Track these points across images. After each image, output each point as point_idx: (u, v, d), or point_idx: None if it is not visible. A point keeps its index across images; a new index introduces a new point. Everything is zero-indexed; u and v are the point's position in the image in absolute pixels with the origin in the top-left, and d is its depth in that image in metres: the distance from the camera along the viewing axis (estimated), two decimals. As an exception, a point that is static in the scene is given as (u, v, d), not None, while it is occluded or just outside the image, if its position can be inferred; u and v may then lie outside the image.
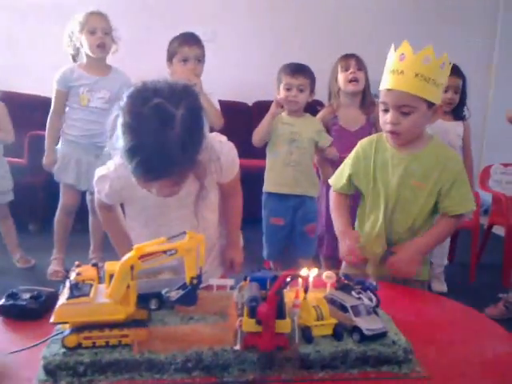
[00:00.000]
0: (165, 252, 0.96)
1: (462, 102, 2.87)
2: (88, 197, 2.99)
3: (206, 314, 1.08)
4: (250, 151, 2.69)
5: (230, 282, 1.19)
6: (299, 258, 2.61)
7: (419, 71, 1.42)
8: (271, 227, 2.66)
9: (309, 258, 2.64)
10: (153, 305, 1.08)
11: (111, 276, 0.97)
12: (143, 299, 1.05)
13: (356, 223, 1.68)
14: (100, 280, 1.04)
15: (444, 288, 3.04)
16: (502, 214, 3.26)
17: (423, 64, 1.42)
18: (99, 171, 1.43)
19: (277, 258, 2.73)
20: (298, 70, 2.51)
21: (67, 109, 2.86)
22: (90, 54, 2.78)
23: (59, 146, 2.89)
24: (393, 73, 1.46)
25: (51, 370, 0.91)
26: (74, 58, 2.86)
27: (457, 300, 1.40)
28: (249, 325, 0.93)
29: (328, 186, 1.81)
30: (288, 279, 0.93)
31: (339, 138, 2.65)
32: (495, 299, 2.79)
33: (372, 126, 2.70)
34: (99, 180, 1.42)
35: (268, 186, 2.63)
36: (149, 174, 1.15)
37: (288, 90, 2.50)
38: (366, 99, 2.75)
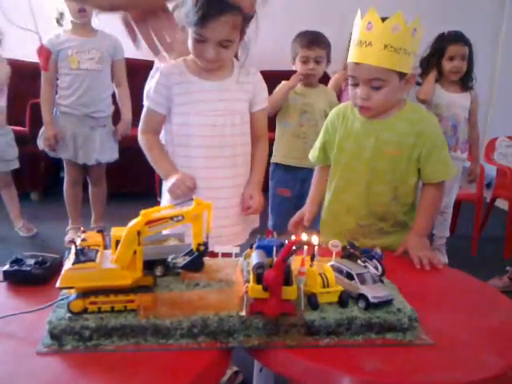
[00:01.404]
0: (172, 218, 0.96)
1: (469, 70, 2.82)
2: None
3: (212, 281, 1.08)
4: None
5: (235, 249, 1.19)
6: (304, 231, 2.61)
7: (388, 42, 1.33)
8: (278, 198, 2.64)
9: (313, 232, 2.63)
10: (158, 271, 1.08)
11: (117, 242, 0.96)
12: (149, 266, 1.05)
13: (327, 196, 1.64)
14: (106, 246, 1.04)
15: (445, 260, 3.05)
16: (506, 188, 3.24)
17: (392, 33, 1.33)
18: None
19: (282, 228, 2.72)
20: (315, 42, 2.44)
21: (59, 77, 2.80)
22: (74, 19, 2.73)
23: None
24: (360, 44, 1.37)
25: (57, 335, 0.92)
26: (59, 21, 2.80)
27: (457, 269, 1.40)
28: (255, 291, 0.93)
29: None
30: (295, 247, 0.92)
31: None
32: (496, 272, 2.81)
33: None
34: (148, 84, 1.56)
35: (276, 157, 2.60)
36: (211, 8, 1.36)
37: (304, 62, 2.45)
38: None
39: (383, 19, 1.35)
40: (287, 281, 0.93)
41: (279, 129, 2.60)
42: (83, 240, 1.02)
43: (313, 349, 0.94)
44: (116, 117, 2.96)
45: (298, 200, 2.63)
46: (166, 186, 1.53)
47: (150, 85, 1.55)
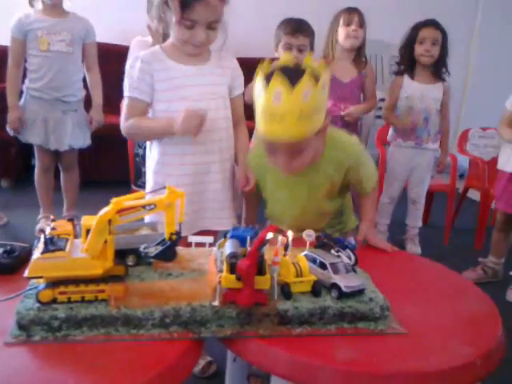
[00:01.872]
0: (144, 207, 0.94)
1: (443, 58, 2.84)
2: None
3: (185, 271, 1.07)
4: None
5: (209, 239, 1.18)
6: None
7: (301, 111, 1.22)
8: None
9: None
10: (130, 261, 1.07)
11: (88, 231, 0.94)
12: (120, 255, 1.03)
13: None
14: (76, 235, 1.01)
15: (418, 250, 3.08)
16: (478, 178, 3.29)
17: (303, 102, 1.21)
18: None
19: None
20: (299, 29, 2.41)
21: (28, 58, 2.69)
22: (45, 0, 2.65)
23: (21, 102, 2.74)
24: (271, 119, 1.24)
25: (25, 325, 0.90)
26: (31, 2, 2.72)
27: (430, 259, 1.42)
28: (229, 281, 0.93)
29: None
30: (269, 236, 0.92)
31: (331, 87, 2.63)
32: (468, 262, 2.85)
33: (363, 79, 2.75)
34: (128, 76, 1.52)
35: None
36: None
37: (287, 49, 2.43)
38: (361, 55, 2.76)
39: (290, 78, 1.20)
40: (260, 270, 0.93)
41: None
42: (53, 229, 1.00)
43: (285, 338, 0.95)
44: (88, 102, 2.90)
45: None
46: (177, 129, 1.45)
47: (132, 75, 1.52)
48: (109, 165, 3.68)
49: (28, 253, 1.14)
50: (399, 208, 3.11)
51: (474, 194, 3.56)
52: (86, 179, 3.15)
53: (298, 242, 1.14)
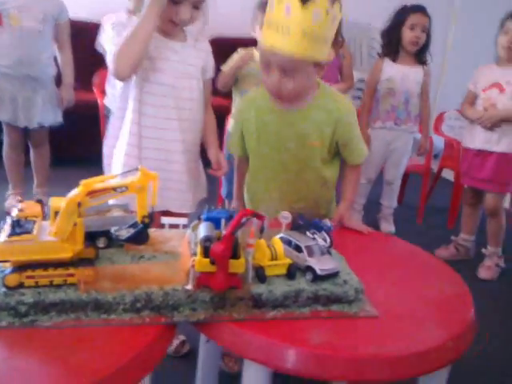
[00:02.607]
0: (115, 189, 0.91)
1: (427, 44, 2.84)
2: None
3: (157, 253, 1.05)
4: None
5: (182, 220, 1.16)
6: None
7: (308, 30, 1.22)
8: (233, 165, 2.61)
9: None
10: (101, 243, 1.04)
11: (56, 213, 0.91)
12: (91, 237, 1.00)
13: (246, 194, 1.62)
14: (44, 217, 0.98)
15: (392, 228, 3.13)
16: (452, 159, 3.33)
17: (313, 21, 1.22)
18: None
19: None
20: None
21: None
22: None
23: None
24: (277, 30, 1.25)
25: (-9, 310, 0.87)
26: None
27: (404, 240, 1.43)
28: (202, 264, 0.91)
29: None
30: (244, 219, 0.90)
31: None
32: (441, 240, 2.90)
33: (340, 61, 2.73)
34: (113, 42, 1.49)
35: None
36: None
37: None
38: (338, 36, 2.73)
39: (303, 1, 1.22)
40: (235, 254, 0.91)
41: (237, 98, 2.53)
42: (20, 210, 0.96)
43: (259, 322, 0.94)
44: (59, 80, 2.85)
45: None
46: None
47: (115, 30, 1.51)
48: (80, 142, 3.61)
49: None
50: (375, 187, 3.13)
51: (449, 174, 3.61)
52: (58, 156, 3.09)
53: (274, 224, 1.13)
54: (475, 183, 2.64)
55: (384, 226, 3.15)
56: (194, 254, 0.95)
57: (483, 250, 2.72)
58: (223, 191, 2.65)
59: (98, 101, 3.13)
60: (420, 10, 2.82)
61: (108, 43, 1.50)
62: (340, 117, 1.42)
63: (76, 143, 3.65)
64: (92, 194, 0.90)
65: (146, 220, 0.95)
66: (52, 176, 3.01)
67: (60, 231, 0.90)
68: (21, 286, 0.89)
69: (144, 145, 1.53)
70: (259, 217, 0.97)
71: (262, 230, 1.00)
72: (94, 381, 0.76)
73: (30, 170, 2.97)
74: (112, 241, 1.04)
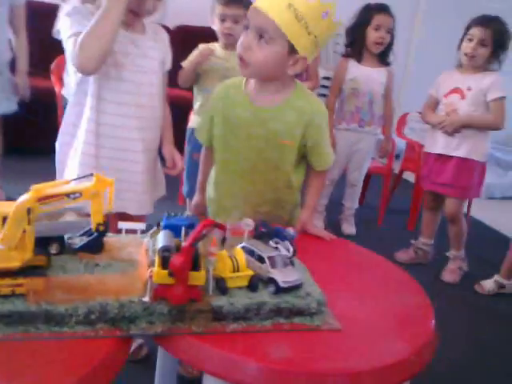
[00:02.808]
0: (68, 195, 0.86)
1: (391, 45, 2.86)
2: None
3: (113, 261, 1.00)
4: (172, 80, 2.53)
5: (141, 225, 1.11)
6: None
7: (295, 3, 1.22)
8: (194, 163, 2.53)
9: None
10: (53, 249, 0.98)
11: (4, 218, 0.85)
12: (42, 243, 0.95)
13: (211, 187, 1.58)
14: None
15: (353, 230, 3.14)
16: (413, 161, 3.37)
17: (304, 1, 1.23)
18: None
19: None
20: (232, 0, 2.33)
21: None
22: None
23: None
24: None
25: None
26: None
27: (365, 242, 1.43)
28: (160, 276, 0.87)
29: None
30: (205, 231, 0.86)
31: None
32: (400, 242, 2.93)
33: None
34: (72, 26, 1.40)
35: (194, 123, 2.48)
36: None
37: (222, 20, 2.32)
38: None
39: None
40: (195, 266, 0.88)
41: (200, 96, 2.46)
42: (-36, 214, 0.90)
43: (219, 335, 0.90)
44: (14, 66, 2.71)
45: None
46: None
47: (72, 16, 1.41)
48: (36, 132, 3.47)
49: None
50: (336, 188, 3.14)
51: (410, 176, 3.65)
52: (11, 146, 2.95)
53: (237, 232, 1.10)
54: (435, 187, 2.68)
55: (345, 227, 3.17)
56: (152, 264, 0.91)
57: (447, 254, 2.75)
58: (184, 189, 2.60)
59: (56, 89, 3.02)
60: (384, 9, 2.82)
61: (65, 33, 1.41)
62: (311, 119, 1.39)
63: (32, 133, 3.51)
64: (43, 199, 0.85)
65: (101, 228, 0.90)
66: (6, 166, 2.88)
67: (7, 239, 0.84)
68: (-37, 296, 0.83)
69: (101, 143, 1.47)
70: (221, 227, 0.94)
71: (223, 241, 0.97)
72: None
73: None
74: (65, 247, 0.98)
